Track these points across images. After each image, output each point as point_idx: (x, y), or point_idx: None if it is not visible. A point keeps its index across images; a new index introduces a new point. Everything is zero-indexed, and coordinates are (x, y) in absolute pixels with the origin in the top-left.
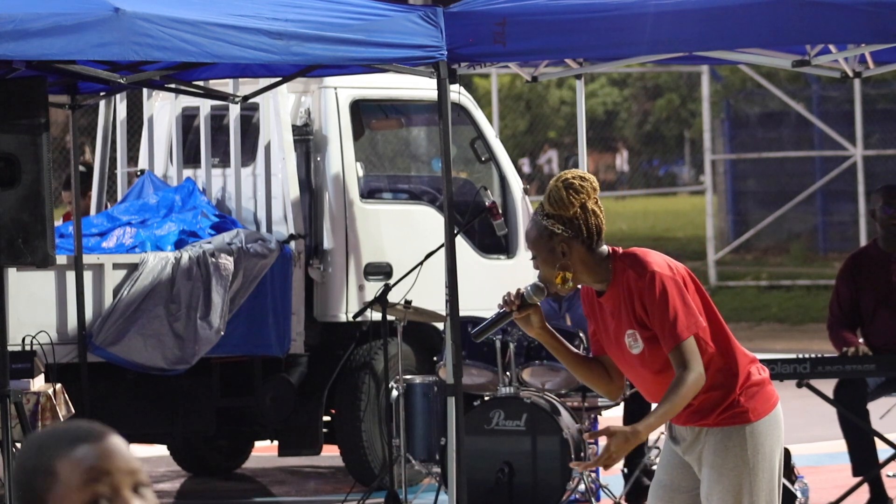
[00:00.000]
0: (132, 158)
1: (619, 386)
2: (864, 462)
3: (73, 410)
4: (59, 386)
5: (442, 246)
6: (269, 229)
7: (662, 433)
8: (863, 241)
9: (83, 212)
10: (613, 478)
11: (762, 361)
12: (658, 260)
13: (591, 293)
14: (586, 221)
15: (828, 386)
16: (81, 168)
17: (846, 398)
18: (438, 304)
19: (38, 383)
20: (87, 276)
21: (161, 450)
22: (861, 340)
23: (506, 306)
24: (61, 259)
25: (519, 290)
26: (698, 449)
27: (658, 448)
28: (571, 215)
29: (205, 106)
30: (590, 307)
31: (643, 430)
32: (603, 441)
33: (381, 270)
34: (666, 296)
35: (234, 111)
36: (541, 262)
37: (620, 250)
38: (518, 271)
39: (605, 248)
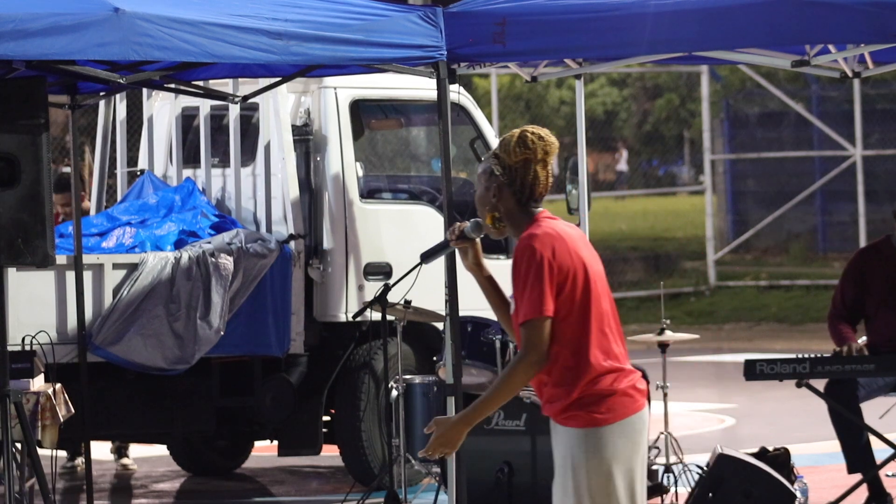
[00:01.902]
0: (132, 158)
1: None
2: (859, 459)
3: (73, 410)
4: (58, 386)
5: None
6: (269, 229)
7: (662, 433)
8: (862, 241)
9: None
10: None
11: (761, 361)
12: (544, 237)
13: None
14: (524, 176)
15: (822, 385)
16: (67, 169)
17: (837, 395)
18: (438, 304)
19: (37, 383)
20: (87, 276)
21: (161, 450)
22: (864, 338)
23: (449, 235)
24: (61, 259)
25: (461, 224)
26: (553, 438)
27: (658, 448)
28: (512, 163)
29: (204, 106)
30: None
31: (471, 414)
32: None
33: (380, 270)
34: (520, 270)
35: (234, 111)
36: (477, 196)
37: (543, 221)
38: None
39: (535, 210)
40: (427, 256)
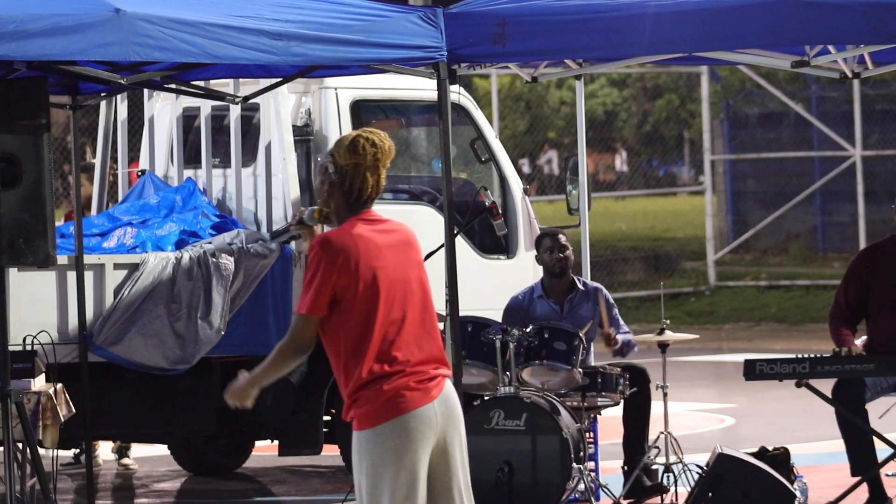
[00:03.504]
0: (133, 159)
1: None
2: (863, 461)
3: (74, 410)
4: (59, 386)
5: (442, 246)
6: (270, 229)
7: (662, 432)
8: (862, 242)
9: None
10: (613, 477)
11: (761, 361)
12: (336, 242)
13: None
14: (352, 179)
15: (826, 386)
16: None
17: (844, 398)
18: (438, 304)
19: (38, 383)
20: (88, 276)
21: (161, 449)
22: (863, 339)
23: (293, 219)
24: (62, 259)
25: (302, 210)
26: None
27: (658, 447)
28: (344, 164)
29: (205, 106)
30: None
31: (253, 378)
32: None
33: None
34: (308, 265)
35: (235, 112)
36: (315, 188)
37: (356, 223)
38: (518, 271)
39: (363, 211)
40: (275, 235)
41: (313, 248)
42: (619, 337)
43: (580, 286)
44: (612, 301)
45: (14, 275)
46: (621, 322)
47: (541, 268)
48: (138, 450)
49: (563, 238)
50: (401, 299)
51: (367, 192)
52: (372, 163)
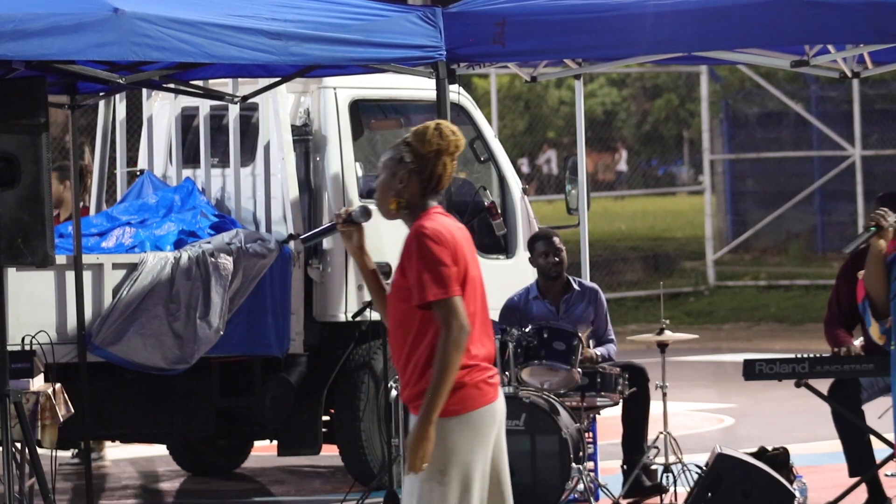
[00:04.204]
0: (131, 158)
1: None
2: (861, 461)
3: (73, 410)
4: (58, 386)
5: None
6: (269, 229)
7: (662, 432)
8: None
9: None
10: (612, 477)
11: (761, 361)
12: (443, 230)
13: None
14: (434, 166)
15: (825, 386)
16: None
17: (840, 397)
18: None
19: (37, 383)
20: (87, 276)
21: (161, 449)
22: (860, 340)
23: (336, 218)
24: (61, 259)
25: (348, 209)
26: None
27: (657, 447)
28: (425, 152)
29: (204, 106)
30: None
31: (429, 413)
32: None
33: (380, 270)
34: (421, 254)
35: (234, 111)
36: (381, 182)
37: (436, 215)
38: (517, 271)
39: (433, 202)
40: (309, 238)
41: (420, 237)
42: (599, 351)
43: (576, 287)
44: (606, 306)
45: (13, 275)
46: (609, 327)
47: None
48: (138, 450)
49: (557, 240)
50: (476, 295)
51: (445, 180)
52: (453, 150)
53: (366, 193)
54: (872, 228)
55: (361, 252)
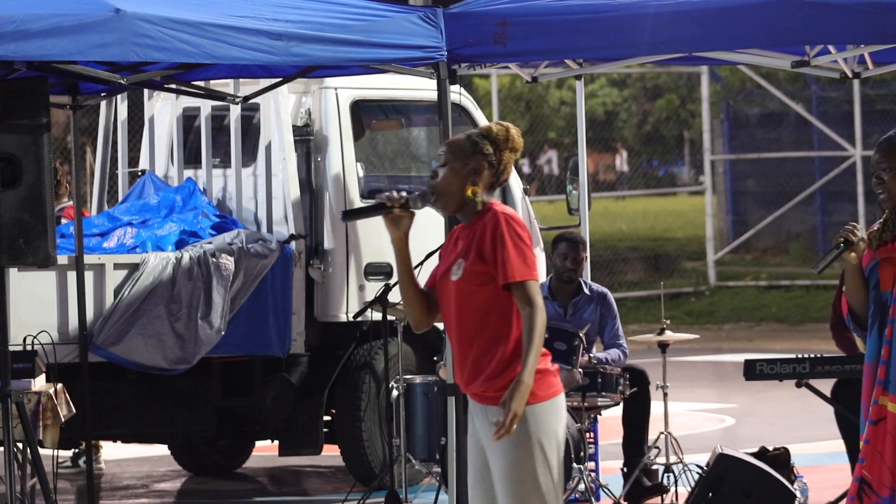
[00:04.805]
0: (133, 159)
1: (429, 322)
2: None
3: (74, 410)
4: (60, 386)
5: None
6: (270, 229)
7: (662, 432)
8: None
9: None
10: (613, 477)
11: (761, 361)
12: (517, 216)
13: (460, 230)
14: (506, 163)
15: (826, 386)
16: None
17: (844, 397)
18: None
19: (39, 383)
20: (88, 277)
21: (162, 449)
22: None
23: (389, 202)
24: (62, 259)
25: (403, 193)
26: (479, 415)
27: (658, 448)
28: (503, 148)
29: (205, 106)
30: (450, 242)
31: (527, 375)
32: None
33: (381, 270)
34: (508, 235)
35: (235, 112)
36: (450, 170)
37: (499, 204)
38: None
39: (493, 197)
40: (352, 214)
41: (509, 221)
42: (601, 356)
43: (586, 290)
44: (615, 311)
45: (14, 275)
46: (618, 332)
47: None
48: (139, 450)
49: (581, 247)
50: None
51: (505, 178)
52: (519, 151)
53: (367, 194)
54: (842, 245)
55: (405, 240)
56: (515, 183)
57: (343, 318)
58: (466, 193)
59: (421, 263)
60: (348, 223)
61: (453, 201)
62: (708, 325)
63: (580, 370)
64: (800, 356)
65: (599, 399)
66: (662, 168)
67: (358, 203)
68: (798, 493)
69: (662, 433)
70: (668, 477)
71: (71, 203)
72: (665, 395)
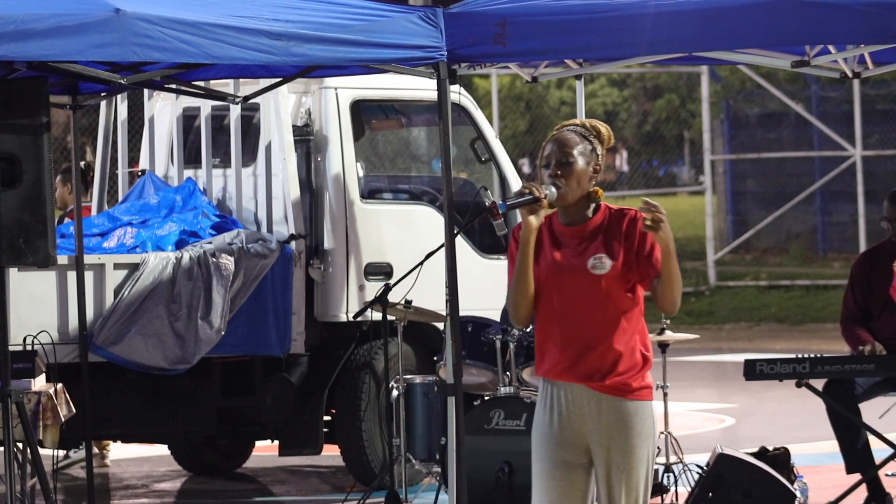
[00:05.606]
0: (133, 159)
1: (530, 315)
2: (857, 458)
3: (74, 410)
4: (60, 386)
5: (442, 246)
6: (270, 229)
7: (662, 432)
8: (862, 242)
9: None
10: None
11: (761, 361)
12: None
13: (548, 227)
14: (604, 164)
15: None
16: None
17: (835, 393)
18: (438, 304)
19: (39, 383)
20: (88, 276)
21: (162, 449)
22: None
23: (537, 193)
24: (62, 259)
25: (545, 190)
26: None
27: (658, 448)
28: (605, 148)
29: (205, 106)
30: (547, 238)
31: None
32: None
33: (381, 270)
34: (647, 232)
35: (235, 112)
36: (575, 171)
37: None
38: None
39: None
40: (511, 206)
41: (641, 219)
42: None
43: None
44: None
45: (14, 275)
46: None
47: None
48: (139, 450)
49: None
50: None
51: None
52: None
53: (367, 194)
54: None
55: (536, 234)
56: (515, 183)
57: (343, 318)
58: (598, 195)
59: (421, 263)
60: (348, 223)
61: (575, 200)
62: (708, 325)
63: None
64: (800, 356)
65: None
66: (662, 168)
67: (358, 203)
68: (798, 493)
69: (662, 433)
70: (668, 477)
71: (91, 203)
72: (665, 395)
